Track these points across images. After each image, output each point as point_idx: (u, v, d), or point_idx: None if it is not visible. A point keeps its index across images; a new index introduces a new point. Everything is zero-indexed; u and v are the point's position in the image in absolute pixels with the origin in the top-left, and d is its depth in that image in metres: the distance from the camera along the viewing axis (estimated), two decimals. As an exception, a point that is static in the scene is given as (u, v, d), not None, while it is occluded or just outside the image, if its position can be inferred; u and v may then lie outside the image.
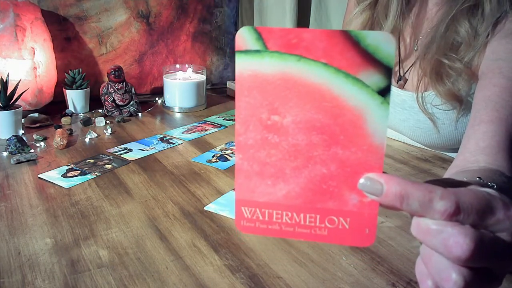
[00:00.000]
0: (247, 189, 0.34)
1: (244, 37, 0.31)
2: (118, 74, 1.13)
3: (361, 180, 0.32)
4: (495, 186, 0.37)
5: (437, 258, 0.31)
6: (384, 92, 0.30)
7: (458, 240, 0.29)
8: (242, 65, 0.31)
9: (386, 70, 0.30)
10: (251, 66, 0.31)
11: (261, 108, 0.32)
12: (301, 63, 0.31)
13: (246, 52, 0.31)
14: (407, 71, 0.89)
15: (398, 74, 0.90)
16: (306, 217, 0.33)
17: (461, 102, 0.79)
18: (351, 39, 0.30)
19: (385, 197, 0.30)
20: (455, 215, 0.29)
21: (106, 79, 1.24)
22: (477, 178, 0.39)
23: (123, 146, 0.93)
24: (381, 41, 0.30)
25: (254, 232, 0.35)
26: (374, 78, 0.30)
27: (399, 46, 0.90)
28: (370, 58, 0.30)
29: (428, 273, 0.32)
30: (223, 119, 1.14)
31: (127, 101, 1.15)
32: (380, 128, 0.31)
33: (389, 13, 0.86)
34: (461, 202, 0.29)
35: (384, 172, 0.31)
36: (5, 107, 0.95)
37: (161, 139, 0.98)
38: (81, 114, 1.14)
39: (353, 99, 0.31)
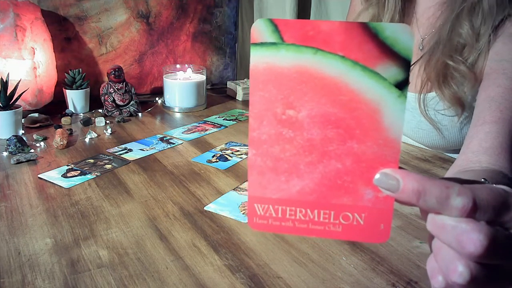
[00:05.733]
0: (260, 186, 0.33)
1: (260, 29, 0.30)
2: (118, 74, 1.13)
3: (377, 176, 0.31)
4: None
5: (445, 250, 0.30)
6: (401, 85, 0.30)
7: (472, 236, 0.28)
8: (257, 58, 0.30)
9: (404, 63, 0.29)
10: (266, 59, 0.30)
11: (276, 102, 0.31)
12: (317, 55, 0.30)
13: (262, 44, 0.30)
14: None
15: None
16: (320, 214, 0.33)
17: (464, 108, 0.79)
18: (369, 31, 0.29)
19: (402, 193, 0.30)
20: (473, 211, 0.29)
21: (106, 79, 1.24)
22: (483, 180, 0.39)
23: (123, 146, 0.93)
24: (400, 33, 0.29)
25: (267, 229, 0.34)
26: (392, 71, 0.30)
27: None
28: (388, 51, 0.29)
29: (439, 267, 0.31)
30: (223, 119, 1.14)
31: (127, 101, 1.15)
32: (397, 122, 0.30)
33: (387, 7, 0.87)
34: (478, 199, 0.29)
35: (400, 167, 0.31)
36: (5, 107, 0.95)
37: (161, 139, 0.98)
38: (81, 114, 1.14)
39: (369, 92, 0.30)
